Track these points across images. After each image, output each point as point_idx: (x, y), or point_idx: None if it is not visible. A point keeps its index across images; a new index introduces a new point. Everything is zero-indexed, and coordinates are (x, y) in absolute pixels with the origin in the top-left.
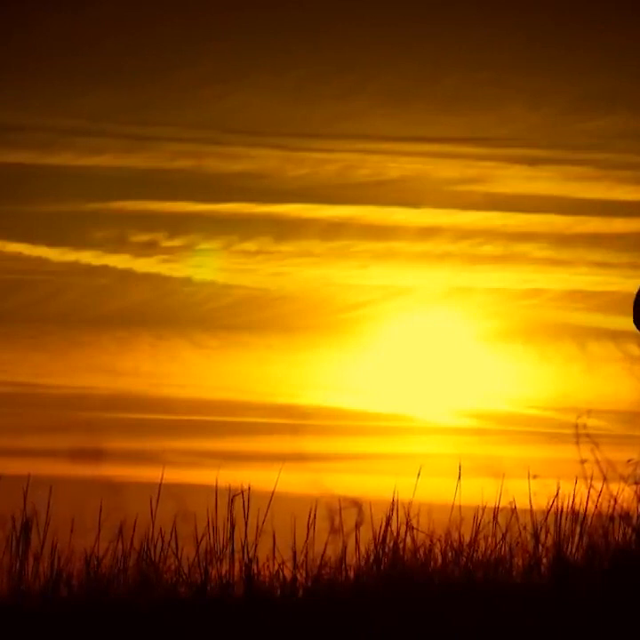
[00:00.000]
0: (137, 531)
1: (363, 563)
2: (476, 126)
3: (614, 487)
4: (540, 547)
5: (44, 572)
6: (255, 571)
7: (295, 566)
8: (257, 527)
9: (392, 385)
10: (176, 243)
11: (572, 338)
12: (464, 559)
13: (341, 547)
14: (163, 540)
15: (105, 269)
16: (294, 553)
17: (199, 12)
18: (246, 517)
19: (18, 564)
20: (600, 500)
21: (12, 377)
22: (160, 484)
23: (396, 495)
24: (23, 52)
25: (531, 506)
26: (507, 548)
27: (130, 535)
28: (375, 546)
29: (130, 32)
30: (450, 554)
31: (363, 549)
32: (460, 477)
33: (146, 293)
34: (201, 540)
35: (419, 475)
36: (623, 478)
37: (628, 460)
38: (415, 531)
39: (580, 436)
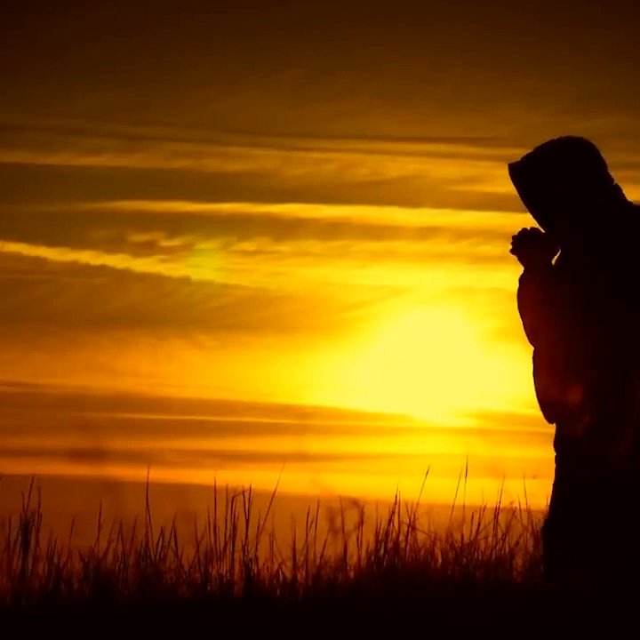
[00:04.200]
0: (137, 531)
1: (363, 563)
2: (475, 126)
3: None
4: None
5: (44, 572)
6: (255, 571)
7: (295, 566)
8: (258, 527)
9: (392, 385)
10: (175, 242)
11: None
12: (464, 559)
13: (342, 547)
14: (163, 540)
15: (103, 269)
16: (294, 553)
17: (199, 12)
18: (247, 517)
19: (17, 564)
20: None
21: (11, 377)
22: (149, 483)
23: (397, 495)
24: (22, 52)
25: (531, 505)
26: (507, 548)
27: (129, 535)
28: (376, 546)
29: (129, 32)
30: (450, 554)
31: (363, 549)
32: (466, 476)
33: (144, 293)
34: (201, 539)
35: (427, 473)
36: None
37: None
38: (416, 531)
39: None
